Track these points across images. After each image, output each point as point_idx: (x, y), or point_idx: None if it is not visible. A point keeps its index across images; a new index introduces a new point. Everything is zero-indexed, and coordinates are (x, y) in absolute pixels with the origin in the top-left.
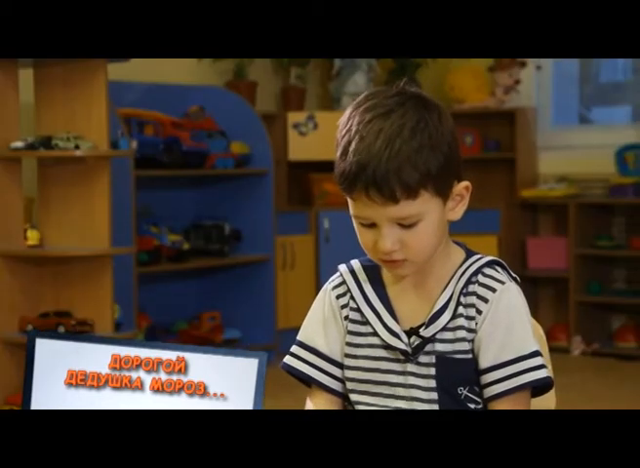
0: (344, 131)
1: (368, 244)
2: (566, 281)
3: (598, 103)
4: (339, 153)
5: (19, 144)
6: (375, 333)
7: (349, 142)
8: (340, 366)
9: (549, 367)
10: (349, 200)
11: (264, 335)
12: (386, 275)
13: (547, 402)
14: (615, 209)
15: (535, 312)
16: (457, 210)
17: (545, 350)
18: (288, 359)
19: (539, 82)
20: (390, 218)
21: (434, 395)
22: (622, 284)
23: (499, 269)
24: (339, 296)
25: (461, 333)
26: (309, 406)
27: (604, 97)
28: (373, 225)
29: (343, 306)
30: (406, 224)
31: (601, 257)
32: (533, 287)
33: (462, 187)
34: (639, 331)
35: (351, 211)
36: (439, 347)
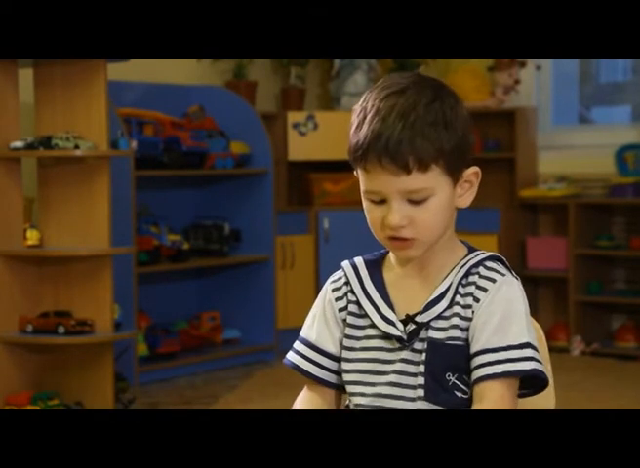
0: (360, 107)
1: (376, 222)
2: (566, 281)
3: (598, 103)
4: (353, 127)
5: (18, 144)
6: (372, 325)
7: (365, 116)
8: (331, 357)
9: (548, 366)
10: (361, 175)
11: (264, 335)
12: (387, 265)
13: (547, 402)
14: (614, 209)
15: (535, 312)
16: (465, 196)
17: (545, 350)
18: (289, 354)
19: (538, 82)
20: (401, 191)
21: (421, 380)
22: (622, 284)
23: (500, 264)
24: (334, 290)
25: (455, 321)
26: (300, 395)
27: (604, 96)
28: (383, 202)
29: (338, 299)
30: (415, 200)
31: (601, 257)
32: (532, 287)
33: (472, 172)
34: (639, 331)
35: (362, 186)
36: (433, 334)
